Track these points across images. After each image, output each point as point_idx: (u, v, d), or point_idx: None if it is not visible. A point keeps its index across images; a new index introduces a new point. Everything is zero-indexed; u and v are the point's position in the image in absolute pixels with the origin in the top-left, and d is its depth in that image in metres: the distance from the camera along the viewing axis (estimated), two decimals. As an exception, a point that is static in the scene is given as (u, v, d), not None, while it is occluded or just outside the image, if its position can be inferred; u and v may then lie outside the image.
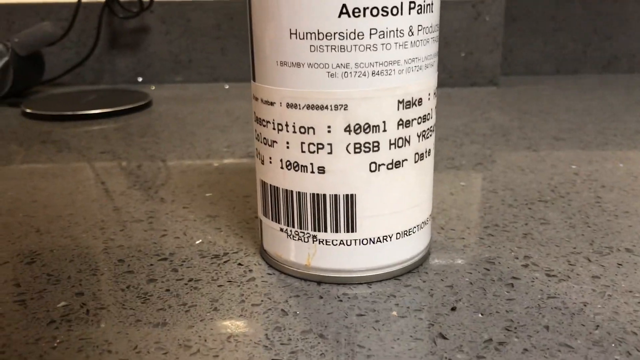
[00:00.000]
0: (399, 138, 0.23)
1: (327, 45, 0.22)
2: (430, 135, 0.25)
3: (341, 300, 0.23)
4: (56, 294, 0.24)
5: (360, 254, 0.24)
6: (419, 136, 0.24)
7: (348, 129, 0.22)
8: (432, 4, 0.23)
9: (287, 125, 0.23)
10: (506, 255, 0.27)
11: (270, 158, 0.24)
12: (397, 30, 0.22)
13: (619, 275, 0.25)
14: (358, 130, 0.23)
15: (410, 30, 0.22)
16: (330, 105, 0.22)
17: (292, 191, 0.24)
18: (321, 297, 0.24)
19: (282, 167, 0.24)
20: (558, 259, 0.26)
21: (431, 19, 0.23)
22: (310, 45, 0.22)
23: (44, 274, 0.26)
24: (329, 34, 0.22)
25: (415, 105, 0.23)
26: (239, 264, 0.26)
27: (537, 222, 0.30)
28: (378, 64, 0.22)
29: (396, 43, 0.22)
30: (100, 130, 0.51)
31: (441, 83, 0.66)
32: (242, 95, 0.65)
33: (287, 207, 0.24)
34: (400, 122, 0.23)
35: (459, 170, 0.38)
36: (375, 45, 0.22)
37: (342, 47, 0.22)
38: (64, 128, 0.52)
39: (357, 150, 0.23)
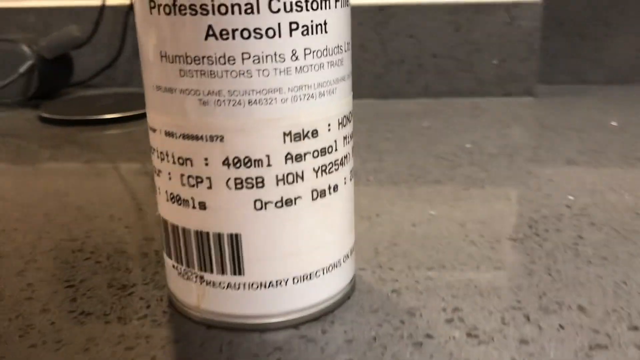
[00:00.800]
0: (288, 174, 0.21)
1: (196, 70, 0.19)
2: (336, 169, 0.22)
3: (221, 351, 0.21)
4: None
5: (250, 298, 0.22)
6: (316, 171, 0.21)
7: (227, 162, 0.20)
8: (323, 23, 0.20)
9: (167, 154, 0.21)
10: (434, 306, 0.23)
11: (158, 188, 0.22)
12: (275, 54, 0.19)
13: (552, 341, 0.21)
14: (238, 164, 0.20)
15: (294, 54, 0.19)
16: (205, 136, 0.20)
17: (177, 226, 0.22)
18: (201, 345, 0.21)
19: (167, 200, 0.22)
20: (492, 315, 0.23)
21: (325, 40, 0.20)
22: (180, 70, 0.20)
23: None
24: (197, 58, 0.19)
25: (309, 138, 0.21)
26: (141, 298, 0.25)
27: (490, 266, 0.26)
28: (255, 92, 0.19)
29: (276, 69, 0.19)
30: (111, 135, 0.51)
31: (470, 92, 0.61)
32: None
33: (175, 243, 0.22)
34: (289, 156, 0.20)
35: (437, 196, 0.35)
36: (249, 71, 0.19)
37: (212, 72, 0.19)
38: (80, 132, 0.52)
39: (239, 185, 0.20)
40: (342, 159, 0.22)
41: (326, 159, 0.21)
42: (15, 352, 0.21)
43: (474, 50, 0.60)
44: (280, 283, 0.22)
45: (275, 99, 0.20)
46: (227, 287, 0.22)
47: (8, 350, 0.21)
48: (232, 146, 0.20)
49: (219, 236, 0.21)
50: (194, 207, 0.21)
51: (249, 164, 0.20)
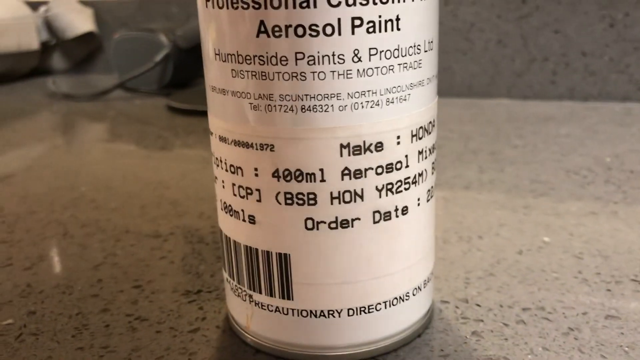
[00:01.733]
0: (345, 191, 0.18)
1: (247, 71, 0.17)
2: (407, 189, 0.19)
3: (262, 380, 0.19)
4: (10, 309, 0.24)
5: (299, 326, 0.19)
6: (379, 190, 0.18)
7: (276, 174, 0.18)
8: (395, 19, 0.17)
9: (221, 161, 0.19)
10: (518, 358, 0.20)
11: (217, 195, 0.21)
12: (333, 55, 0.17)
13: None
14: (288, 178, 0.18)
15: (356, 55, 0.17)
16: (255, 144, 0.18)
17: (230, 238, 0.20)
18: (243, 371, 0.20)
19: (222, 209, 0.20)
20: (591, 380, 0.19)
21: (397, 39, 0.17)
22: (232, 70, 0.18)
23: (23, 283, 0.26)
24: (248, 57, 0.17)
25: (371, 151, 0.18)
26: (200, 308, 0.23)
27: (601, 314, 0.22)
28: (309, 97, 0.17)
29: (333, 72, 0.17)
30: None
31: (623, 96, 0.54)
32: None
33: (228, 255, 0.21)
34: (347, 172, 0.18)
35: (556, 219, 0.30)
36: (303, 73, 0.17)
37: (264, 73, 0.17)
38: (205, 123, 0.53)
39: (289, 201, 0.18)
40: (415, 176, 0.19)
41: (393, 177, 0.18)
42: (62, 352, 0.21)
43: (632, 50, 0.53)
44: (333, 313, 0.19)
45: (332, 105, 0.17)
46: (276, 310, 0.20)
47: (56, 350, 0.21)
48: (282, 157, 0.18)
49: (267, 254, 0.19)
50: (244, 219, 0.19)
51: (300, 178, 0.18)
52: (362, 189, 0.18)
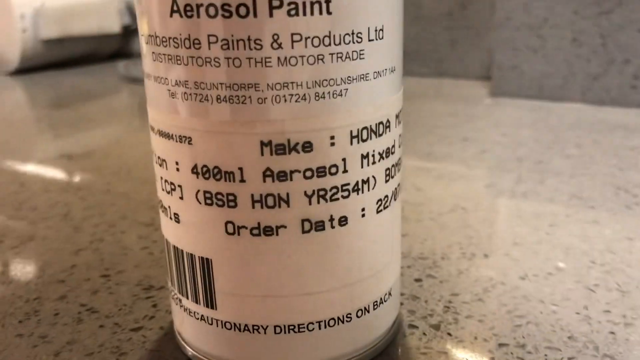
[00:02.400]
0: (268, 195, 0.16)
1: (164, 54, 0.16)
2: (345, 197, 0.16)
3: (178, 393, 0.18)
4: None
5: (223, 339, 0.18)
6: (309, 196, 0.16)
7: (195, 170, 0.16)
8: (325, 2, 0.15)
9: (154, 153, 0.18)
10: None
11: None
12: (249, 39, 0.15)
13: None
14: (207, 175, 0.16)
15: (275, 40, 0.15)
16: (175, 136, 0.16)
17: (164, 236, 0.19)
18: (163, 380, 0.18)
19: (159, 205, 0.19)
20: None
21: (327, 24, 0.15)
22: (152, 52, 0.16)
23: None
24: (164, 39, 0.16)
25: (297, 152, 0.16)
26: (153, 306, 0.22)
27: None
28: (224, 86, 0.15)
29: (249, 58, 0.15)
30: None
31: None
32: (467, 96, 0.57)
33: (167, 256, 0.19)
34: (268, 173, 0.16)
35: (581, 242, 0.26)
36: (217, 60, 0.15)
37: (178, 57, 0.15)
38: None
39: (209, 201, 0.16)
40: (357, 183, 0.16)
41: (326, 182, 0.16)
42: (1, 337, 0.20)
43: None
44: (258, 329, 0.17)
45: (250, 97, 0.15)
46: (201, 319, 0.18)
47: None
48: (200, 151, 0.16)
49: (191, 257, 0.17)
50: (170, 217, 0.18)
51: (219, 176, 0.16)
52: (287, 194, 0.16)
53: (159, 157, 0.17)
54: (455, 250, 0.26)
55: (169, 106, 0.16)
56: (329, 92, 0.15)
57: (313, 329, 0.17)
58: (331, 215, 0.16)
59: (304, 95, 0.15)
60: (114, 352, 0.19)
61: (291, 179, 0.16)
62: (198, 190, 0.16)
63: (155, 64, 0.16)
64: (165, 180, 0.17)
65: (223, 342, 0.18)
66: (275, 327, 0.17)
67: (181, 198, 0.17)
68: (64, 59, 0.78)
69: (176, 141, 0.16)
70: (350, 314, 0.18)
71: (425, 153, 0.40)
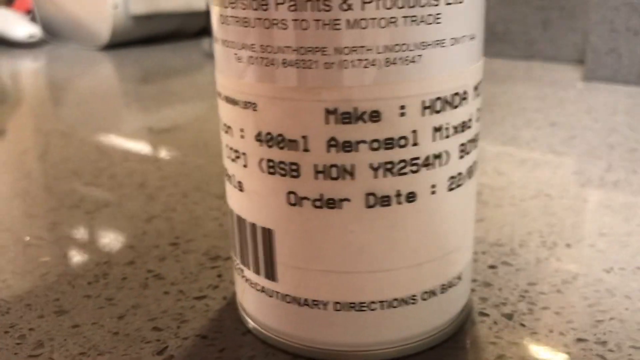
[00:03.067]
0: (332, 166, 0.15)
1: (231, 17, 0.15)
2: (414, 171, 0.15)
3: (234, 364, 0.17)
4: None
5: (282, 312, 0.17)
6: (375, 169, 0.15)
7: (259, 137, 0.16)
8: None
9: (221, 119, 0.18)
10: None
11: (224, 157, 0.19)
12: (319, 1, 0.14)
13: None
14: (270, 143, 0.16)
15: (345, 1, 0.14)
16: (240, 101, 0.16)
17: (229, 205, 0.18)
18: (221, 351, 0.18)
19: (225, 174, 0.19)
20: None
21: (400, -16, 0.14)
22: (220, 15, 0.16)
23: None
24: (232, 1, 0.15)
25: (364, 121, 0.15)
26: (218, 276, 0.22)
27: None
28: (290, 49, 0.15)
29: (317, 20, 0.14)
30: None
31: None
32: (558, 80, 0.54)
33: (231, 225, 0.19)
34: (333, 143, 0.15)
35: (677, 237, 0.24)
36: (284, 22, 0.14)
37: (245, 20, 0.15)
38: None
39: (271, 170, 0.16)
40: (427, 158, 0.16)
41: (393, 155, 0.15)
42: (70, 297, 0.21)
43: None
44: (318, 304, 0.17)
45: (317, 62, 0.14)
46: (262, 291, 0.18)
47: (67, 294, 0.21)
48: (265, 118, 0.15)
49: (253, 227, 0.17)
50: (234, 186, 0.17)
51: (282, 145, 0.15)
52: (352, 165, 0.15)
53: (225, 124, 0.17)
54: (535, 238, 0.24)
55: (235, 71, 0.16)
56: (400, 58, 0.14)
57: (375, 308, 0.16)
58: (398, 191, 0.15)
59: (374, 60, 0.14)
60: (176, 318, 0.19)
61: (357, 150, 0.15)
62: (262, 159, 0.16)
63: (223, 27, 0.16)
64: (230, 148, 0.17)
65: (282, 315, 0.17)
66: (335, 303, 0.16)
67: (245, 166, 0.16)
68: (151, 35, 0.80)
69: (242, 107, 0.16)
70: (415, 295, 0.17)
71: (510, 137, 0.38)
